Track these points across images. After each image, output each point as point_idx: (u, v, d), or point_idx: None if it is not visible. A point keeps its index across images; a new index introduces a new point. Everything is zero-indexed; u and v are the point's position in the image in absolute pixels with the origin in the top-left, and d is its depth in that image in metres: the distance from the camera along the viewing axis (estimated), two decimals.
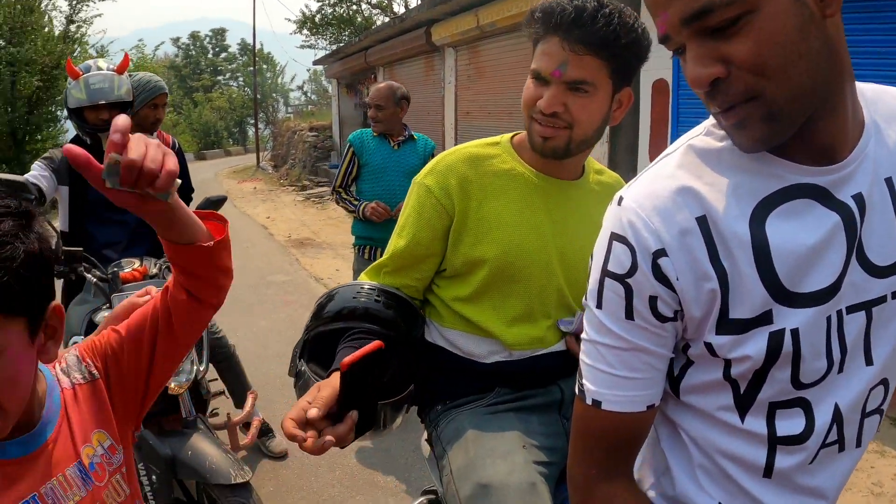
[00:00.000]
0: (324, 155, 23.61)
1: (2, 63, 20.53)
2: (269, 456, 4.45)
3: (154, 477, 2.78)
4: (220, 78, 71.20)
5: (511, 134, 1.94)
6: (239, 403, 4.32)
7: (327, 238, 12.42)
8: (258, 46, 74.57)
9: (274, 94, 53.88)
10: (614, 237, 1.10)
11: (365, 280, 1.98)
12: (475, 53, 12.94)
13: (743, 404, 1.11)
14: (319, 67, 36.88)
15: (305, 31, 31.84)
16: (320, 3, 31.46)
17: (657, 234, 1.05)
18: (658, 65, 7.83)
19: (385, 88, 4.58)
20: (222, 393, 4.27)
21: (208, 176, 29.92)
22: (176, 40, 72.10)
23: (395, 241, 1.93)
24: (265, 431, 4.45)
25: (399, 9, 29.94)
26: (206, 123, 55.12)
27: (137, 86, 3.84)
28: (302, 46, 33.56)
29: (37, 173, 3.49)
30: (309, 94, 53.13)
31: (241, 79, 71.75)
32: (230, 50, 73.73)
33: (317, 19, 31.45)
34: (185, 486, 2.97)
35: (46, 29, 22.71)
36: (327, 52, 28.29)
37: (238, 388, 4.36)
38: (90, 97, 3.43)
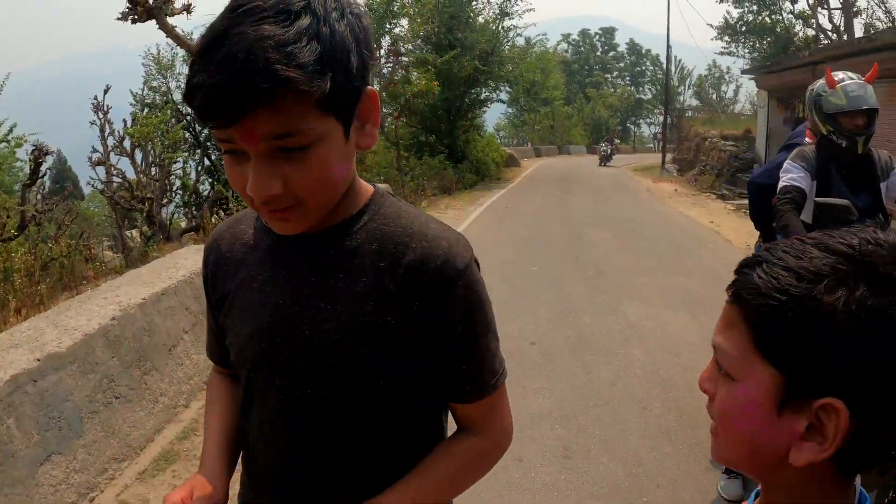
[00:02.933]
0: (745, 166, 23.74)
1: (443, 47, 23.24)
2: None
3: None
4: (607, 76, 73.61)
5: None
6: None
7: None
8: (648, 49, 76.34)
9: (681, 98, 54.31)
10: None
11: None
12: None
13: None
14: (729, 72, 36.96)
15: (726, 38, 31.91)
16: (741, 11, 31.27)
17: None
18: None
19: None
20: None
21: (613, 170, 31.57)
22: (566, 36, 75.23)
23: None
24: None
25: (824, 21, 29.07)
26: (598, 119, 57.38)
27: None
28: (721, 53, 33.75)
29: (795, 175, 3.85)
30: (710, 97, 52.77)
31: (627, 78, 73.95)
32: (619, 49, 76.02)
33: (738, 27, 31.36)
34: None
35: (481, 18, 25.51)
36: (747, 61, 28.31)
37: None
38: (850, 103, 3.65)
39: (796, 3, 29.27)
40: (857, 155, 3.83)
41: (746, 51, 32.05)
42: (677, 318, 7.78)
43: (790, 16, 29.65)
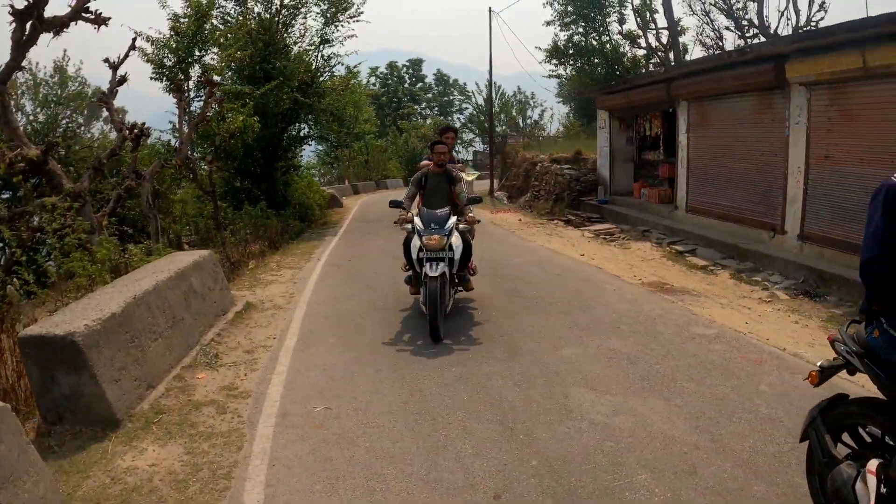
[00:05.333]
0: (588, 189, 22.79)
1: (258, 79, 20.62)
2: None
3: None
4: (417, 107, 72.85)
5: None
6: None
7: (681, 283, 11.42)
8: (455, 79, 76.64)
9: (502, 126, 53.98)
10: None
11: None
12: (844, 94, 11.88)
13: None
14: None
15: (554, 61, 31.46)
16: (569, 33, 31.00)
17: None
18: None
19: None
20: None
21: None
22: (374, 70, 73.82)
23: None
24: None
25: (652, 40, 29.30)
26: (412, 150, 55.96)
27: None
28: (549, 76, 33.40)
29: None
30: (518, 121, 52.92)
31: (436, 108, 73.64)
32: (426, 80, 75.74)
33: (566, 49, 31.08)
34: None
35: (297, 47, 23.12)
36: (565, 83, 27.74)
37: None
38: None
39: (624, 23, 29.57)
40: None
41: (573, 72, 31.82)
42: (649, 407, 5.84)
43: (618, 36, 29.74)
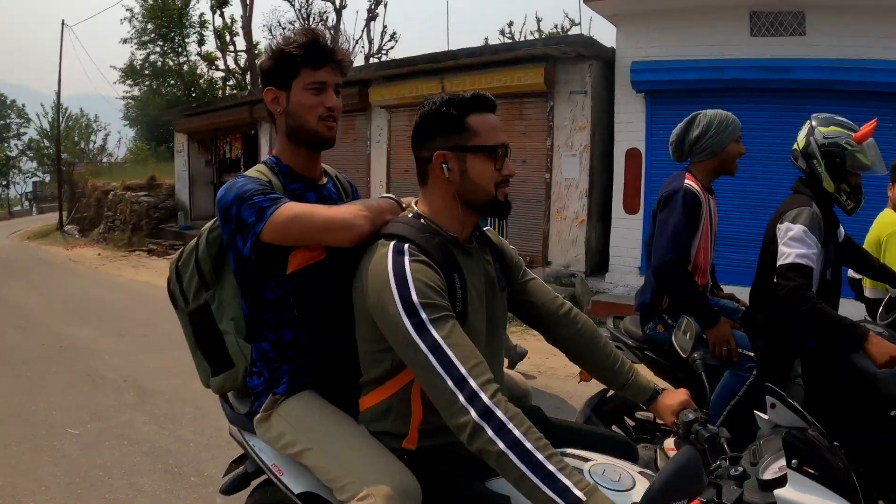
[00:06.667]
0: (167, 216, 22.01)
1: None
2: None
3: None
4: None
5: None
6: None
7: None
8: (14, 100, 68.31)
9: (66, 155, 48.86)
10: None
11: None
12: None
13: None
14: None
15: (129, 81, 29.85)
16: (146, 52, 29.77)
17: None
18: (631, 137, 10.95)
19: None
20: None
21: (12, 243, 26.85)
22: None
23: None
24: None
25: (230, 62, 29.35)
26: None
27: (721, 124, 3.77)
28: (123, 97, 31.57)
29: (810, 252, 3.27)
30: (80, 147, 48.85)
31: None
32: None
33: (143, 68, 29.69)
34: None
35: None
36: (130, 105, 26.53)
37: None
38: (876, 166, 3.38)
39: (204, 45, 29.04)
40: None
41: (147, 93, 30.52)
42: None
43: (197, 58, 29.13)
